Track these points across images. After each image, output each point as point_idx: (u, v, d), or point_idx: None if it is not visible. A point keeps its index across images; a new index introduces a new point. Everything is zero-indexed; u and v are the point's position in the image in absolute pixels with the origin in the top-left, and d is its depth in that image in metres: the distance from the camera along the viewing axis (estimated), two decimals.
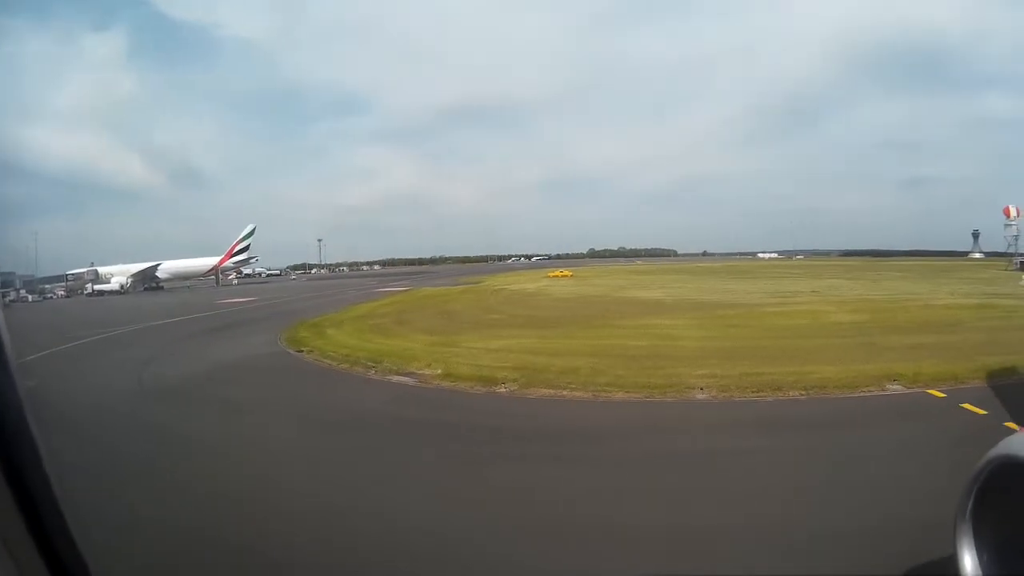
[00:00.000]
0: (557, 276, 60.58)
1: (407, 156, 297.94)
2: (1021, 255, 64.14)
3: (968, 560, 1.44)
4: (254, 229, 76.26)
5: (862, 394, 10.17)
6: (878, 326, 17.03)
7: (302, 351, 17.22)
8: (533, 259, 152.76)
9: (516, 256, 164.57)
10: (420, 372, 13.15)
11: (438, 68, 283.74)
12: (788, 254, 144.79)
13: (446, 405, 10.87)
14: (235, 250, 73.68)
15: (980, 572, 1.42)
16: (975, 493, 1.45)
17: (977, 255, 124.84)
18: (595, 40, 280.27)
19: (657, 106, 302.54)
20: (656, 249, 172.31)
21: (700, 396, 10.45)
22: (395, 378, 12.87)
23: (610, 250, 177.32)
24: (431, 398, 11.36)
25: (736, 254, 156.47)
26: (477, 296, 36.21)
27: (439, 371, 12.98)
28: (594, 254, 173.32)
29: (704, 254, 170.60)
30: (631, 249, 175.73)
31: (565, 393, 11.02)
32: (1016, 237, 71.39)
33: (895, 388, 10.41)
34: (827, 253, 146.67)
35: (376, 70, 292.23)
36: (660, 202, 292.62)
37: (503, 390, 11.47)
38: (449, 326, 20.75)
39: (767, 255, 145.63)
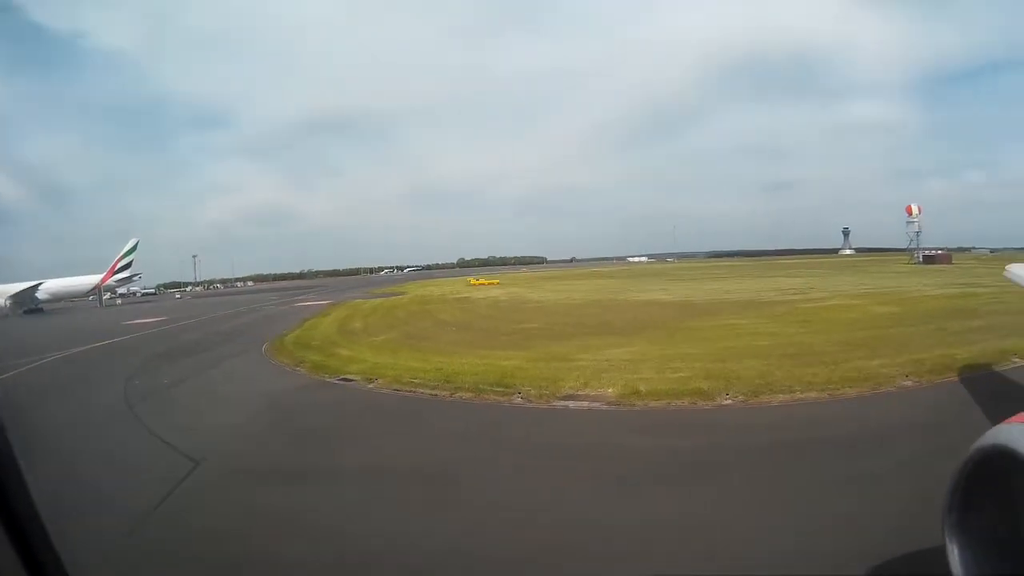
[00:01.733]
0: (485, 284, 58.67)
1: (272, 169, 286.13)
2: (923, 249, 72.59)
3: (956, 548, 1.46)
4: (137, 244, 66.93)
5: (1013, 366, 10.73)
6: (919, 315, 18.05)
7: (352, 379, 13.24)
8: (406, 270, 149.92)
9: (389, 268, 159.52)
10: (590, 393, 10.50)
11: (303, 80, 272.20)
12: (659, 257, 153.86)
13: (702, 425, 8.79)
14: (117, 267, 64.89)
15: (968, 560, 1.44)
16: (963, 483, 1.47)
17: (848, 251, 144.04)
18: (460, 51, 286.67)
19: (524, 116, 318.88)
20: (526, 257, 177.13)
21: (908, 383, 10.17)
22: (564, 404, 10.07)
23: (480, 259, 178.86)
24: (665, 421, 9.03)
25: (605, 259, 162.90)
26: (453, 306, 32.75)
27: (616, 390, 10.49)
28: (464, 264, 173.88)
29: (572, 260, 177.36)
30: (500, 258, 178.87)
31: (801, 396, 9.63)
32: (918, 233, 79.48)
33: (1018, 361, 11.12)
34: (694, 255, 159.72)
35: (241, 82, 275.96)
36: (527, 211, 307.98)
37: (729, 402, 9.56)
38: (500, 339, 17.76)
39: (638, 259, 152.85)
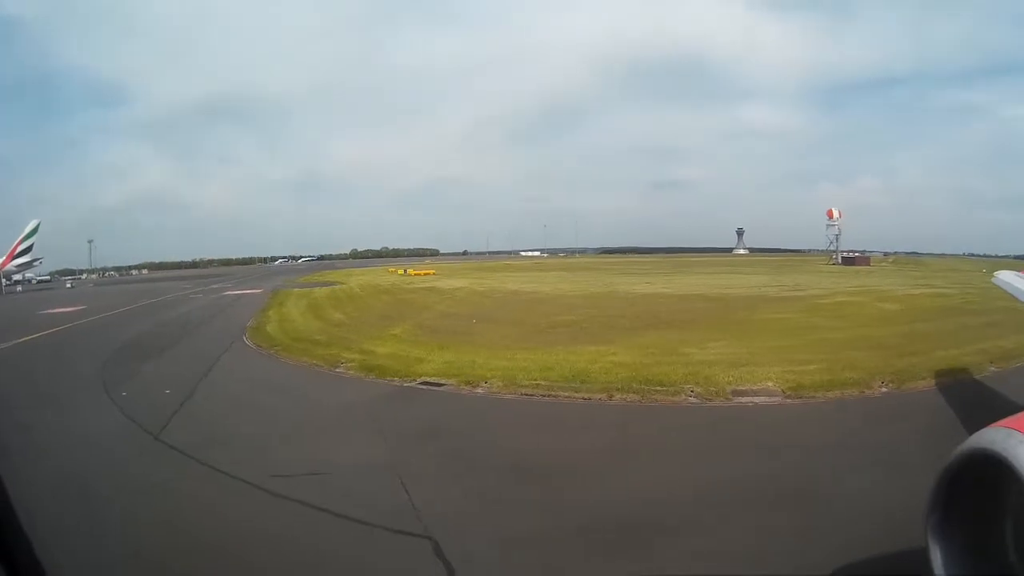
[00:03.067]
0: (422, 274, 55.80)
1: (165, 154, 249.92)
2: (843, 251, 75.76)
3: (938, 552, 1.46)
4: (38, 226, 58.92)
5: None
6: (927, 311, 18.93)
7: (442, 382, 10.80)
8: (300, 260, 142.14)
9: (283, 258, 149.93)
10: (755, 388, 9.52)
11: (199, 62, 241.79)
12: (552, 252, 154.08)
13: (918, 410, 8.37)
14: (16, 251, 57.42)
15: (950, 562, 1.44)
16: (946, 486, 1.47)
17: (741, 251, 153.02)
18: (353, 40, 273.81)
19: (419, 108, 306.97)
20: (419, 249, 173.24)
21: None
22: (747, 400, 8.96)
23: (373, 250, 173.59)
24: (873, 410, 8.55)
25: (498, 253, 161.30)
26: (435, 296, 29.79)
27: (777, 384, 9.63)
28: (357, 255, 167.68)
29: (465, 253, 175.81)
30: (394, 249, 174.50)
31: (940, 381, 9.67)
32: (837, 236, 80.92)
33: None
34: (584, 251, 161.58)
35: (135, 59, 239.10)
36: (418, 202, 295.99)
37: (886, 390, 9.46)
38: (555, 334, 15.79)
39: (530, 253, 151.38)
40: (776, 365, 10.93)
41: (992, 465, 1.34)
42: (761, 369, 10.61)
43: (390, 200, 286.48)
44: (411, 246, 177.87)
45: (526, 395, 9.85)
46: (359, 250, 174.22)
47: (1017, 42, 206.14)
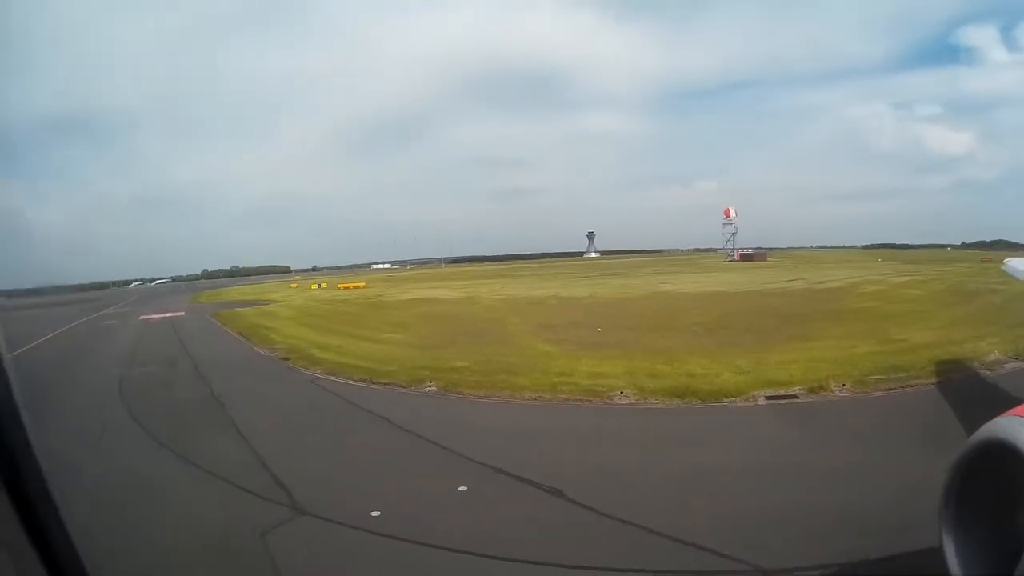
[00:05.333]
0: (359, 287, 50.88)
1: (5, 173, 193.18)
2: (740, 249, 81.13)
3: (952, 542, 1.44)
4: None
5: None
6: (952, 295, 21.11)
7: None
8: (155, 283, 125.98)
9: (138, 280, 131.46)
10: None
11: (37, 75, 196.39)
12: (402, 264, 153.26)
13: None
14: None
15: (964, 553, 1.42)
16: (960, 477, 1.46)
17: (593, 254, 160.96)
18: (191, 52, 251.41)
19: (262, 122, 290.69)
20: (269, 266, 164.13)
21: None
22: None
23: (224, 270, 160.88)
24: None
25: (348, 267, 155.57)
26: (518, 310, 26.15)
27: None
28: (209, 275, 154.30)
29: (314, 269, 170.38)
30: (244, 268, 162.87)
31: None
32: (734, 234, 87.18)
33: None
34: (428, 261, 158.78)
35: None
36: (266, 219, 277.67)
37: None
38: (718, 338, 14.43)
39: (381, 266, 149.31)
40: None
41: (1004, 455, 1.30)
42: None
43: (235, 218, 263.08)
44: (261, 263, 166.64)
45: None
46: (210, 270, 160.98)
47: (857, 46, 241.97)
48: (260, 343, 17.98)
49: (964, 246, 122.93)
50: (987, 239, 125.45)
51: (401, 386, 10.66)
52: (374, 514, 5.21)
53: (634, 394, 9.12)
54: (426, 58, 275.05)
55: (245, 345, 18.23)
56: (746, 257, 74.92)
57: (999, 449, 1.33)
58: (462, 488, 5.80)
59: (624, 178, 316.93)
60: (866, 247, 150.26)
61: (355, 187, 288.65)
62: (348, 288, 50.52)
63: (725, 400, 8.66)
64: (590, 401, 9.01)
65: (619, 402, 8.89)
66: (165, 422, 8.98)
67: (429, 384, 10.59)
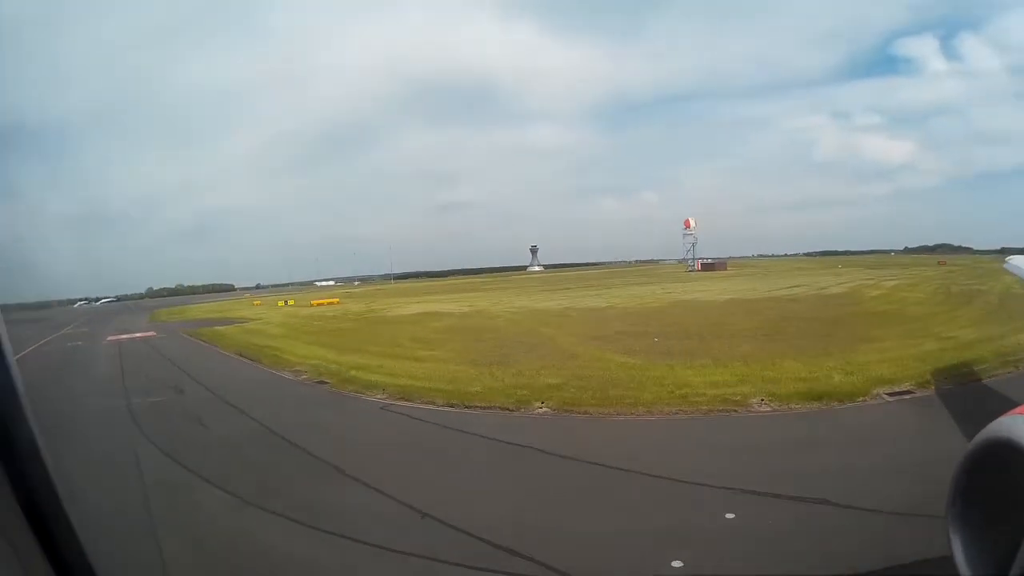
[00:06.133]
0: (324, 304, 48.15)
1: None
2: (700, 258, 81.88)
3: (959, 541, 1.44)
4: None
5: None
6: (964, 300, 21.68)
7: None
8: (100, 302, 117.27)
9: (82, 300, 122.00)
10: None
11: None
12: (346, 281, 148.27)
13: None
14: None
15: (971, 552, 1.42)
16: (966, 476, 1.45)
17: (536, 268, 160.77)
18: (124, 61, 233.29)
19: (202, 135, 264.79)
20: (213, 284, 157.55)
21: None
22: None
23: (168, 288, 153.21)
24: None
25: (291, 284, 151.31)
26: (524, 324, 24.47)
27: None
28: (154, 293, 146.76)
29: (258, 287, 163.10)
30: (189, 286, 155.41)
31: None
32: (694, 244, 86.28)
33: None
34: (370, 278, 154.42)
35: None
36: (209, 236, 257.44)
37: None
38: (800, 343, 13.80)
39: (325, 283, 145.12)
40: None
41: (1013, 455, 1.29)
42: None
43: (177, 234, 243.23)
44: (206, 281, 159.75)
45: None
46: (155, 288, 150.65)
47: (798, 59, 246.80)
48: (274, 364, 15.92)
49: (907, 251, 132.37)
50: (929, 243, 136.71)
51: (507, 409, 9.22)
52: (675, 564, 4.20)
53: (771, 400, 8.74)
54: (367, 70, 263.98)
55: (255, 367, 16.10)
56: (707, 267, 75.87)
57: (1006, 448, 1.30)
58: (729, 515, 5.00)
59: (567, 191, 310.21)
60: (808, 254, 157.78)
61: (296, 202, 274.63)
62: (322, 304, 47.64)
63: (858, 400, 8.64)
64: (735, 411, 8.54)
65: (761, 409, 8.47)
66: (237, 474, 7.10)
67: (540, 405, 9.19)
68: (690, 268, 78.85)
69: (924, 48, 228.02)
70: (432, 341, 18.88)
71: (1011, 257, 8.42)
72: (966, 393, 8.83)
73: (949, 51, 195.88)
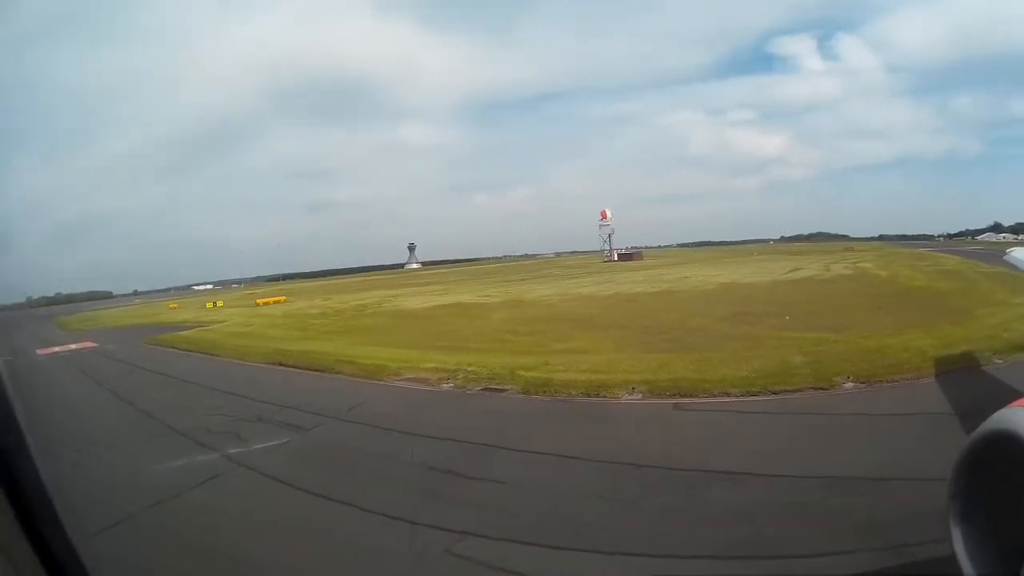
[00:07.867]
0: (270, 303, 42.64)
1: None
2: (618, 248, 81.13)
3: (960, 534, 1.44)
4: None
5: None
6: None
7: None
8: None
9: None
10: None
11: None
12: (225, 284, 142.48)
13: None
14: None
15: (972, 545, 1.42)
16: (966, 469, 1.46)
17: (414, 265, 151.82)
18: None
19: (71, 136, 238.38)
20: (91, 292, 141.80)
21: None
22: None
23: (47, 297, 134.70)
24: None
25: (166, 289, 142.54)
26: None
27: None
28: (33, 303, 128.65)
29: (135, 293, 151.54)
30: (68, 295, 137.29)
31: None
32: (611, 235, 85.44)
33: None
34: (254, 280, 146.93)
35: None
36: (82, 241, 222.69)
37: None
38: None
39: (204, 287, 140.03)
40: None
41: (1013, 447, 1.29)
42: None
43: (49, 240, 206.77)
44: (79, 290, 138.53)
45: None
46: (34, 298, 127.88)
47: (673, 59, 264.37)
48: (372, 374, 12.42)
49: (783, 240, 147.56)
50: (805, 232, 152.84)
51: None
52: None
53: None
54: (240, 69, 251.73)
55: (351, 381, 12.29)
56: (624, 257, 75.37)
57: (1007, 441, 1.30)
58: None
59: (441, 188, 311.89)
60: (682, 245, 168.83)
61: (169, 206, 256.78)
62: (269, 303, 41.82)
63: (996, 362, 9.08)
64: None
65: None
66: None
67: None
68: (606, 258, 77.42)
69: (798, 47, 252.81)
70: (551, 332, 16.38)
71: (1012, 249, 9.05)
72: None
73: (825, 50, 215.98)
